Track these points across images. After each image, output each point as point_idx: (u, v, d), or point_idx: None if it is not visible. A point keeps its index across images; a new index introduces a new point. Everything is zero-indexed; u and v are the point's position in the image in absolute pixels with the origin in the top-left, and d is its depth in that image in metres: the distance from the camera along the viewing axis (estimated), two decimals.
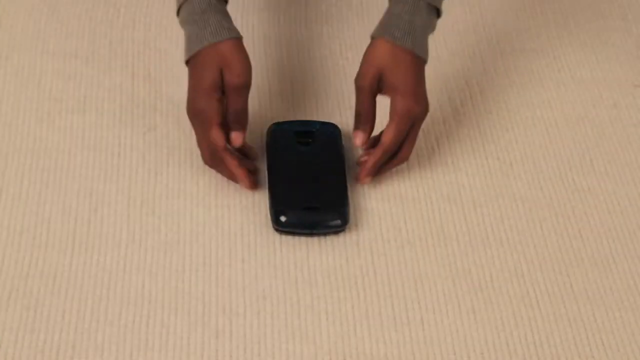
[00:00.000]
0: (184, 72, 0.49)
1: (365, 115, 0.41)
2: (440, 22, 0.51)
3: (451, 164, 0.45)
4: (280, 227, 0.40)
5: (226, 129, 0.41)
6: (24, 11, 0.52)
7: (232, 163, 0.41)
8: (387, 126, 0.41)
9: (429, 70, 0.48)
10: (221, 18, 0.41)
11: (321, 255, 0.41)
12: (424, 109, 0.41)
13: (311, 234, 0.41)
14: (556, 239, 0.43)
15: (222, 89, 0.40)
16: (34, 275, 0.40)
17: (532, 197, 0.44)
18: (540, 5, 0.54)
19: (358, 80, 0.42)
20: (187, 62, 0.42)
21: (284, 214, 0.40)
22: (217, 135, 0.40)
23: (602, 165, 0.46)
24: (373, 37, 0.41)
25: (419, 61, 0.41)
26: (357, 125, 0.42)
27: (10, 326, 0.39)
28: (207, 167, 0.45)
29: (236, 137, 0.40)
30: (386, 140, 0.41)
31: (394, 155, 0.42)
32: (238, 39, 0.41)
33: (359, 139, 0.42)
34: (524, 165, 0.46)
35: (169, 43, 0.50)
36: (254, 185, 0.41)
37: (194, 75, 0.41)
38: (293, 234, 0.41)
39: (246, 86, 0.40)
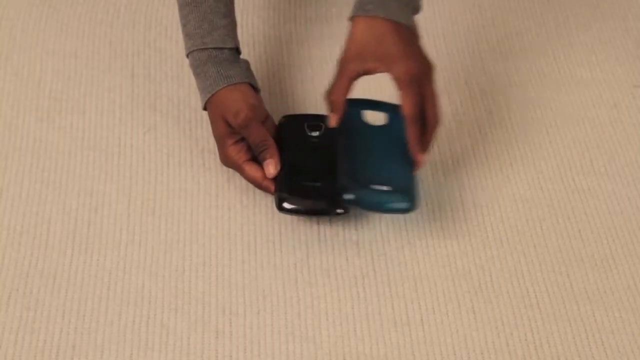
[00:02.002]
0: (183, 72, 0.49)
1: (337, 103, 0.41)
2: (440, 22, 0.51)
3: (451, 164, 0.45)
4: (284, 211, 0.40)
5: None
6: (24, 11, 0.52)
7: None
8: (400, 99, 0.40)
9: None
10: (221, 68, 0.42)
11: (321, 255, 0.41)
12: (424, 65, 0.40)
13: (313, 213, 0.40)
14: (556, 239, 0.42)
15: (234, 133, 0.42)
16: (34, 275, 0.40)
17: (532, 197, 0.44)
18: (540, 6, 0.54)
19: (340, 62, 0.41)
20: (205, 109, 0.43)
21: (287, 201, 0.40)
22: (250, 173, 0.42)
23: (602, 165, 0.46)
24: (349, 19, 0.41)
25: (399, 27, 0.40)
26: (329, 103, 0.41)
27: (10, 326, 0.39)
28: (207, 167, 0.45)
29: (266, 167, 0.41)
30: (406, 110, 0.40)
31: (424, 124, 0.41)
32: (234, 84, 0.41)
33: (334, 121, 0.41)
34: (524, 165, 0.46)
35: (169, 43, 0.50)
36: None
37: (211, 126, 0.42)
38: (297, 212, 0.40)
39: (248, 120, 0.41)
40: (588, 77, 0.50)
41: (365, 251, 0.42)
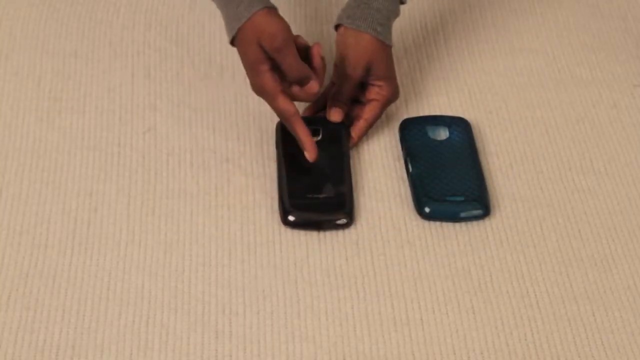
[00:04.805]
0: (183, 71, 0.49)
1: (346, 98, 0.45)
2: (440, 23, 0.51)
3: None
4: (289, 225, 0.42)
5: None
6: (24, 11, 0.52)
7: (303, 132, 0.43)
8: (373, 106, 0.45)
9: (430, 70, 0.49)
10: None
11: (321, 255, 0.41)
12: (399, 94, 0.46)
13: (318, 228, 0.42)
14: (556, 238, 0.42)
15: (269, 59, 0.42)
16: (33, 275, 0.40)
17: (531, 197, 0.44)
18: (540, 6, 0.54)
19: (347, 69, 0.44)
20: (232, 43, 0.43)
21: (292, 214, 0.41)
22: (283, 104, 0.42)
23: (602, 165, 0.46)
24: (358, 29, 0.44)
25: (391, 51, 0.45)
26: (337, 104, 0.45)
27: (10, 326, 0.39)
28: (206, 167, 0.45)
29: (309, 87, 0.42)
30: (372, 117, 0.45)
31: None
32: (268, 7, 0.42)
33: (338, 116, 0.45)
34: (524, 165, 0.46)
35: (169, 43, 0.50)
36: (317, 157, 0.43)
37: (241, 55, 0.43)
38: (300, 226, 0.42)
39: (285, 44, 0.41)
40: (588, 77, 0.50)
41: (365, 251, 0.42)
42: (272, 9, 0.42)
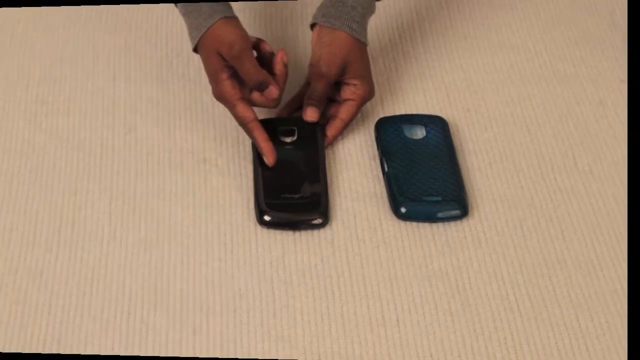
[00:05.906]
0: (162, 74, 0.49)
1: (322, 98, 0.45)
2: (416, 19, 0.50)
3: None
4: (265, 225, 0.42)
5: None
6: (13, 18, 0.53)
7: (261, 137, 0.43)
8: (349, 105, 0.45)
9: (408, 67, 0.48)
10: (214, 4, 0.43)
11: (296, 254, 0.42)
12: (374, 93, 0.46)
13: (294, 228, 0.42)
14: (537, 240, 0.41)
15: (228, 67, 0.43)
16: (22, 271, 0.42)
17: (512, 197, 0.43)
18: (521, 0, 0.52)
19: (323, 68, 0.44)
20: (195, 51, 0.44)
21: (268, 214, 0.42)
22: (241, 111, 0.43)
23: (587, 164, 0.44)
24: (334, 27, 0.44)
25: (366, 49, 0.45)
26: (312, 103, 0.45)
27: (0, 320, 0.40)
28: (184, 167, 0.45)
29: (268, 93, 0.43)
30: (348, 116, 0.45)
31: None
32: (227, 17, 0.43)
33: (314, 115, 0.45)
34: (504, 164, 0.45)
35: (148, 46, 0.51)
36: (275, 161, 0.43)
37: (203, 63, 0.44)
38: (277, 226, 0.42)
39: (242, 52, 0.42)
40: (572, 73, 0.48)
41: (341, 251, 0.42)
42: (231, 18, 0.43)
